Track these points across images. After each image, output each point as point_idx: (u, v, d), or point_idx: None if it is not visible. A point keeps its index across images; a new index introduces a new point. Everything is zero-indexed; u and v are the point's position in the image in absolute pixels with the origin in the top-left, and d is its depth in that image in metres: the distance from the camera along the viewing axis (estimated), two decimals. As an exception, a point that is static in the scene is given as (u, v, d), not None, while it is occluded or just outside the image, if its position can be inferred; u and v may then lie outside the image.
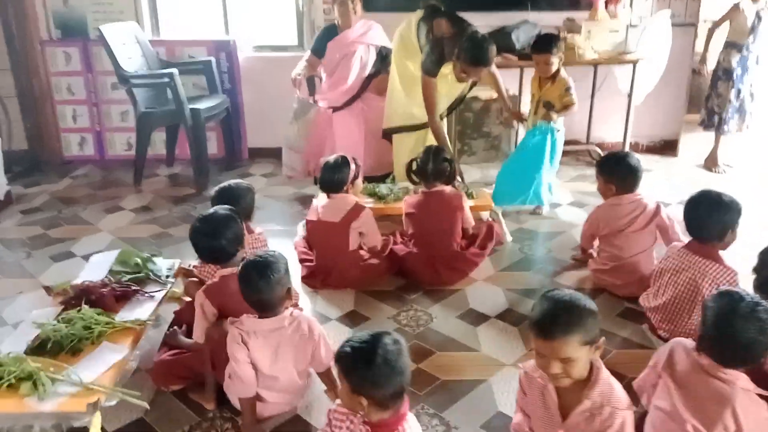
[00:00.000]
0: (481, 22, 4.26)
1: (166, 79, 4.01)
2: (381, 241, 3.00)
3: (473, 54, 3.27)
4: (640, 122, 4.81)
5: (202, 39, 4.70)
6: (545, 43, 3.59)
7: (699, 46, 4.55)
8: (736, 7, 4.20)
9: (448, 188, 2.99)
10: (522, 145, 3.67)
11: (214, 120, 4.43)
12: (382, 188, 3.55)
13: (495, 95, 4.20)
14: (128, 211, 3.95)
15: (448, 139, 3.68)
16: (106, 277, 2.49)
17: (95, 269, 2.60)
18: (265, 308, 1.99)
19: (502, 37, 4.39)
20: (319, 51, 4.09)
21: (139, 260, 2.63)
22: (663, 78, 4.54)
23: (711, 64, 4.48)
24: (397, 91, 3.80)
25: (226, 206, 2.32)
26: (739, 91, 4.28)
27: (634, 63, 4.36)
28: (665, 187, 4.29)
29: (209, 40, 4.68)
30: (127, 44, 4.26)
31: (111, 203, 4.09)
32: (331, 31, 4.08)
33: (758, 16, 4.14)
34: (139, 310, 2.33)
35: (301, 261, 3.04)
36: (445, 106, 3.74)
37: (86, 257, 3.24)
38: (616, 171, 2.84)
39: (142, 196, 4.22)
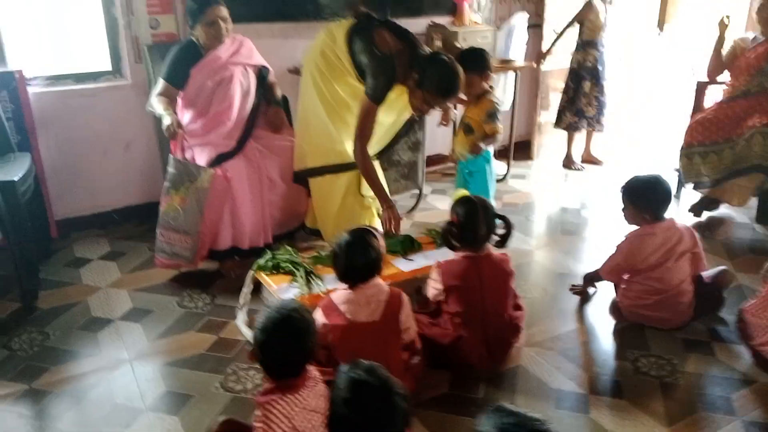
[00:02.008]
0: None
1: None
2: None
3: (446, 83, 2.65)
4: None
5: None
6: (479, 60, 3.06)
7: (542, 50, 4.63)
8: (589, 4, 4.30)
9: (493, 250, 2.36)
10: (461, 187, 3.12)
11: (28, 192, 2.93)
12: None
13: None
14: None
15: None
16: None
17: None
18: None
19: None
20: (177, 78, 2.99)
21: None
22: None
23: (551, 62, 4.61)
24: (319, 123, 2.97)
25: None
26: (603, 88, 4.44)
27: (515, 69, 4.24)
28: (537, 189, 4.34)
29: (-21, 74, 3.10)
30: None
31: None
32: (191, 52, 3.01)
33: (607, 12, 4.32)
34: None
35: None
36: (385, 141, 3.05)
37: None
38: (652, 198, 2.58)
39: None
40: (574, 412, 2.13)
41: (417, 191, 3.89)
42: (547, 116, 4.86)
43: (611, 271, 2.67)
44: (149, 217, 3.41)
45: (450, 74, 2.65)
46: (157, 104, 2.93)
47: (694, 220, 3.80)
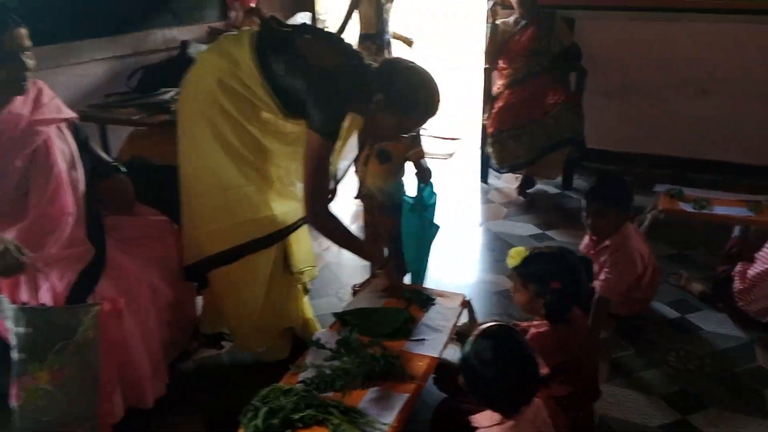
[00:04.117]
0: (109, 53, 2.71)
1: None
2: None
3: (430, 96, 1.97)
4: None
5: None
6: None
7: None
8: None
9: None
10: (411, 229, 2.50)
11: None
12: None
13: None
14: None
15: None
16: None
17: None
18: None
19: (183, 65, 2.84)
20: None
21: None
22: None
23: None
24: (224, 190, 2.00)
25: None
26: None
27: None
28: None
29: None
30: None
31: None
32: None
33: (381, 3, 4.08)
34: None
35: None
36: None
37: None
38: (630, 197, 2.44)
39: None
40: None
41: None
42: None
43: (614, 291, 2.35)
44: None
45: (430, 83, 1.98)
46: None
47: (522, 200, 3.94)
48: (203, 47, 3.03)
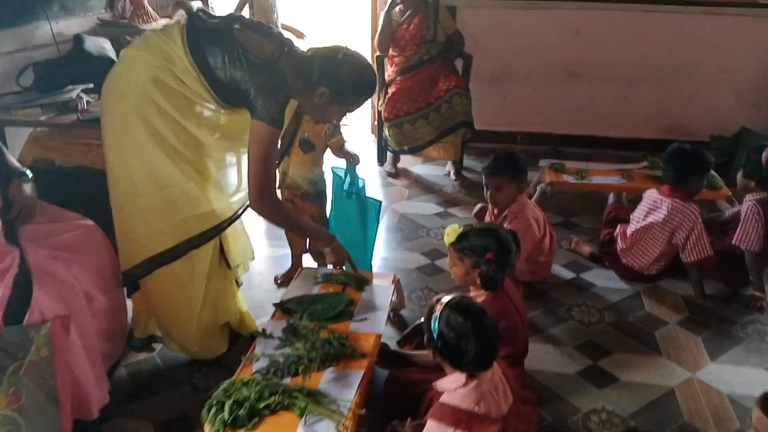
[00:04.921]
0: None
1: None
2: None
3: (369, 79, 2.04)
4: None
5: None
6: None
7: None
8: None
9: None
10: (352, 215, 2.60)
11: None
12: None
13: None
14: None
15: None
16: None
17: None
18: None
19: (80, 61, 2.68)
20: None
21: None
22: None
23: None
24: (160, 189, 1.97)
25: None
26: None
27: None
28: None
29: None
30: None
31: None
32: None
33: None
34: None
35: None
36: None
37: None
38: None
39: None
40: (610, 384, 2.23)
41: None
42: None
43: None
44: None
45: (369, 68, 2.05)
46: None
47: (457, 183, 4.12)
48: (98, 40, 2.91)
